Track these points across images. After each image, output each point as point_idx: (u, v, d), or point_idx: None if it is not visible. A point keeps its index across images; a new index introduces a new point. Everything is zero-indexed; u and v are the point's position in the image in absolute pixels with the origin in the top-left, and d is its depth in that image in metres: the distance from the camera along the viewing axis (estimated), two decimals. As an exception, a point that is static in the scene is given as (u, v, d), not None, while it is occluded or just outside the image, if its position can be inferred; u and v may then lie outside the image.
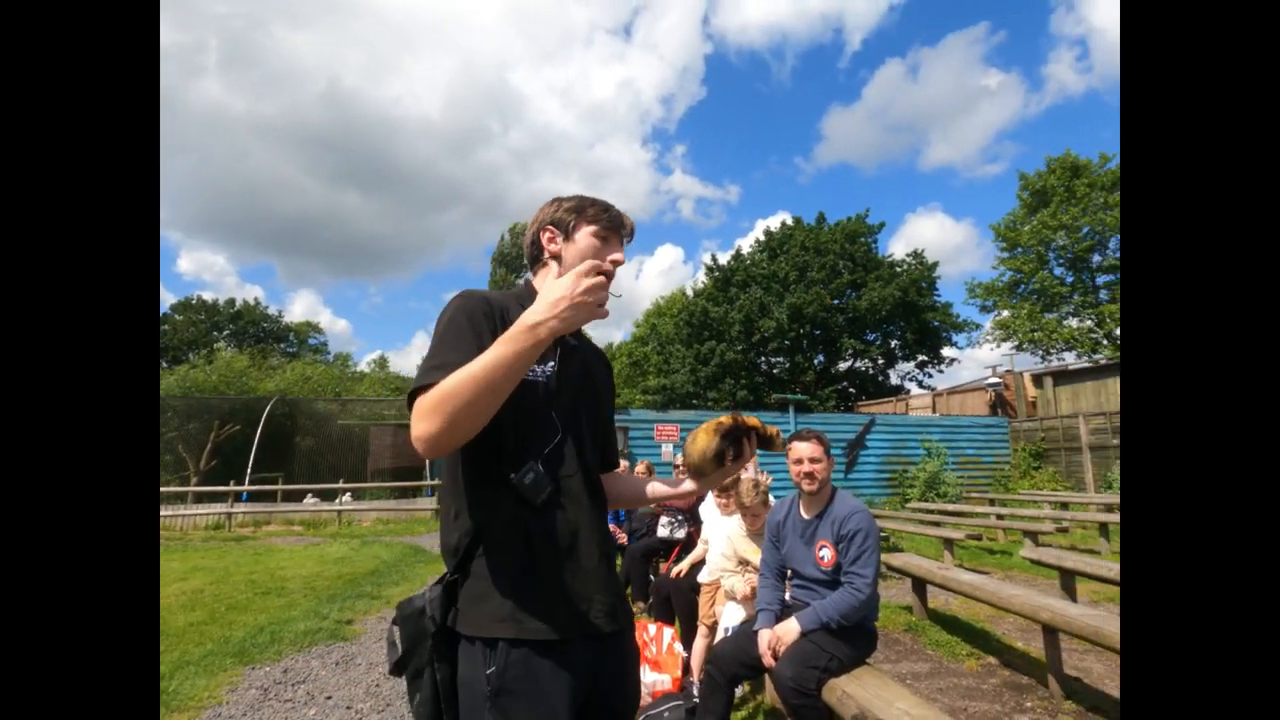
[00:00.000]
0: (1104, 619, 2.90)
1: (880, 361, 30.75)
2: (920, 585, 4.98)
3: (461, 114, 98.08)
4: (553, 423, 1.19)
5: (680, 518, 5.05)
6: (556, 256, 1.31)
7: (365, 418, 20.27)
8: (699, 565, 3.90)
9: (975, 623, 4.87)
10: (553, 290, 1.00)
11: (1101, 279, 25.16)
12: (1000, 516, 9.78)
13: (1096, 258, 24.91)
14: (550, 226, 1.33)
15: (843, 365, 28.63)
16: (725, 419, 1.36)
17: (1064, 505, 11.17)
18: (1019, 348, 25.39)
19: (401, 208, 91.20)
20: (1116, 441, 13.27)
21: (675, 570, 4.16)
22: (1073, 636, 3.00)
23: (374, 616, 5.40)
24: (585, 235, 1.30)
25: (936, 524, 9.33)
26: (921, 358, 31.37)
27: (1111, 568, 4.29)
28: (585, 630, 1.13)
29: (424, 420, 1.00)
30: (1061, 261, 25.49)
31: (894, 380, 31.76)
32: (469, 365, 1.00)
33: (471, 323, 1.14)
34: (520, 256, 16.62)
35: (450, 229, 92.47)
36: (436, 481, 13.39)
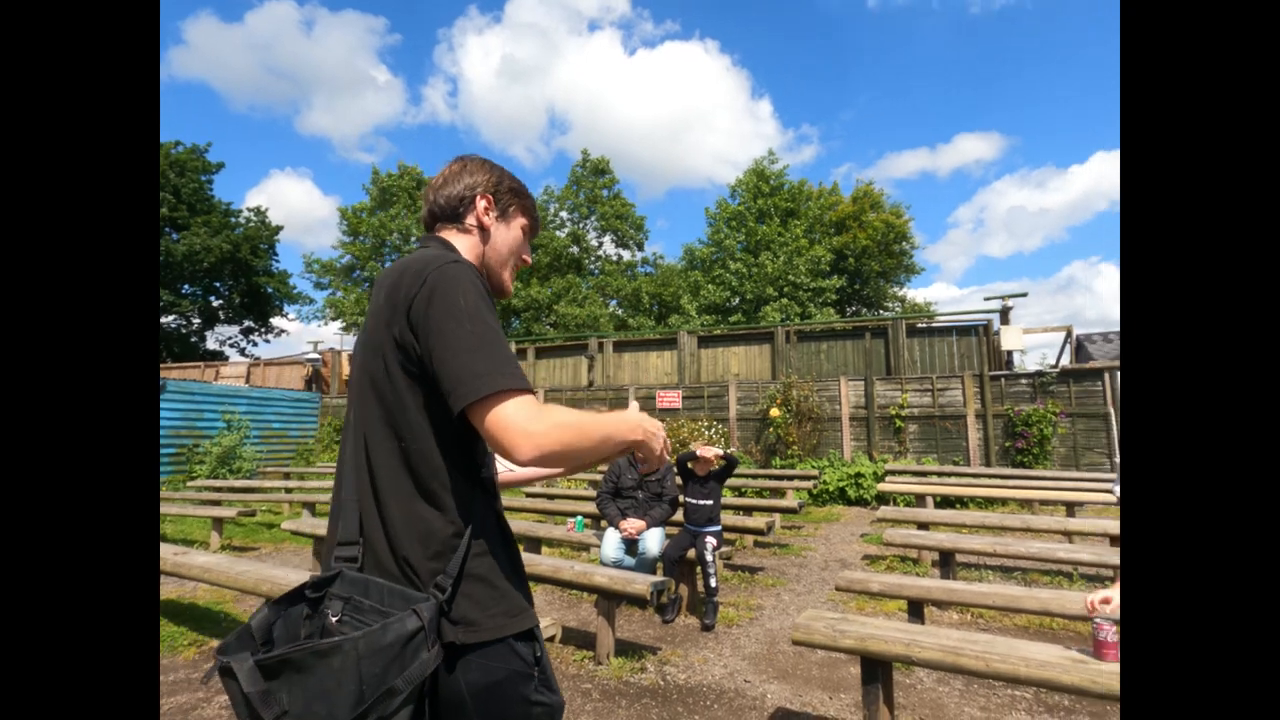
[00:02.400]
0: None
1: (196, 322, 26.82)
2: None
3: None
4: None
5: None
6: (484, 229, 1.26)
7: None
8: None
9: (216, 606, 4.61)
10: (652, 426, 1.12)
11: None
12: (289, 490, 9.85)
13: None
14: (490, 196, 1.27)
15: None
16: None
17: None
18: (346, 329, 26.82)
19: None
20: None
21: None
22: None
23: None
24: (517, 225, 1.31)
25: (216, 503, 8.65)
26: (249, 324, 29.04)
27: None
28: None
29: (545, 436, 0.96)
30: (393, 258, 28.47)
31: (211, 344, 28.26)
32: (601, 423, 1.03)
33: (493, 313, 1.07)
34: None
35: None
36: None
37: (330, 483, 10.50)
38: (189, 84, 55.41)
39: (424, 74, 63.37)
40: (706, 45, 61.18)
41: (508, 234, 1.29)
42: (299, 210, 58.66)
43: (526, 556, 4.02)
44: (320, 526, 5.15)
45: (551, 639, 2.67)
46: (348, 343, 26.74)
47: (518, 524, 5.87)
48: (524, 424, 0.95)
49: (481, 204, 1.26)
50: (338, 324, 27.14)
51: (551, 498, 8.14)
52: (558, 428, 0.97)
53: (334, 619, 0.98)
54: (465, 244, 1.24)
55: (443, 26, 65.50)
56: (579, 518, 6.25)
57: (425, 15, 64.49)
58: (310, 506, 7.89)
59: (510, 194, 1.29)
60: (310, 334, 47.43)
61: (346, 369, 17.85)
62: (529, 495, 8.45)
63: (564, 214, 29.21)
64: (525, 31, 62.67)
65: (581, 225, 29.16)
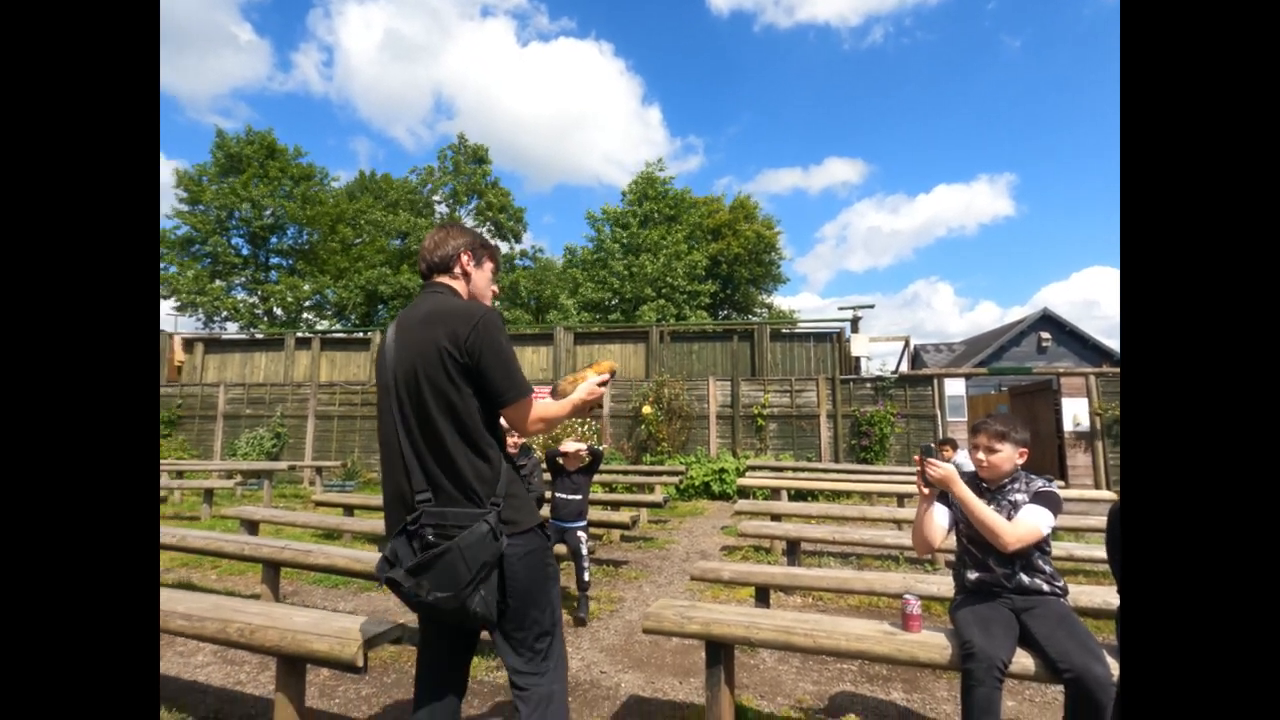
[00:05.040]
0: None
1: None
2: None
3: None
4: None
5: None
6: (467, 275, 1.88)
7: None
8: None
9: None
10: (583, 389, 1.85)
11: (275, 259, 26.84)
12: (99, 490, 8.58)
13: (274, 240, 26.43)
14: (469, 251, 1.88)
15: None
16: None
17: (180, 474, 10.95)
18: (181, 309, 23.85)
19: None
20: (250, 411, 14.15)
21: None
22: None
23: None
24: (488, 269, 1.94)
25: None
26: (52, 298, 24.91)
27: (175, 533, 4.32)
28: None
29: (540, 420, 1.75)
30: (241, 233, 25.72)
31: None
32: (559, 406, 1.82)
33: (508, 339, 1.75)
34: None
35: None
36: None
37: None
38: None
39: (294, 39, 57.49)
40: (601, 47, 61.24)
41: (482, 275, 1.93)
42: None
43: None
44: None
45: (398, 641, 2.55)
46: (184, 324, 23.86)
47: (374, 523, 5.54)
48: (524, 420, 1.74)
49: (464, 257, 1.88)
50: (171, 303, 24.06)
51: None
52: (540, 420, 1.76)
53: (431, 537, 1.63)
54: (459, 287, 1.88)
55: (315, -13, 60.05)
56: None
57: (295, -28, 58.86)
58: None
59: (481, 248, 1.92)
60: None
61: (180, 354, 15.87)
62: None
63: (438, 202, 27.94)
64: (413, 8, 59.13)
65: (458, 212, 28.07)
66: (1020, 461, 2.47)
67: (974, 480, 2.52)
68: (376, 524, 5.54)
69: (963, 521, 2.43)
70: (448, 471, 1.66)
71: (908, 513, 5.96)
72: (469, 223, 28.21)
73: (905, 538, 4.87)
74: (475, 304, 1.77)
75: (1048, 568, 2.35)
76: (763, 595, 3.75)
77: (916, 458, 2.44)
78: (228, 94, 52.61)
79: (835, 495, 9.54)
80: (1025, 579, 2.32)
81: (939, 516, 2.47)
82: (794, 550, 5.06)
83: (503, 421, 1.79)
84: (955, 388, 13.37)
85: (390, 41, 54.32)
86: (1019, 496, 2.40)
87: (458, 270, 1.86)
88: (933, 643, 2.30)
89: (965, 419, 13.61)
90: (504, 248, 28.95)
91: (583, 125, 55.45)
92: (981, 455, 2.47)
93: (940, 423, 11.59)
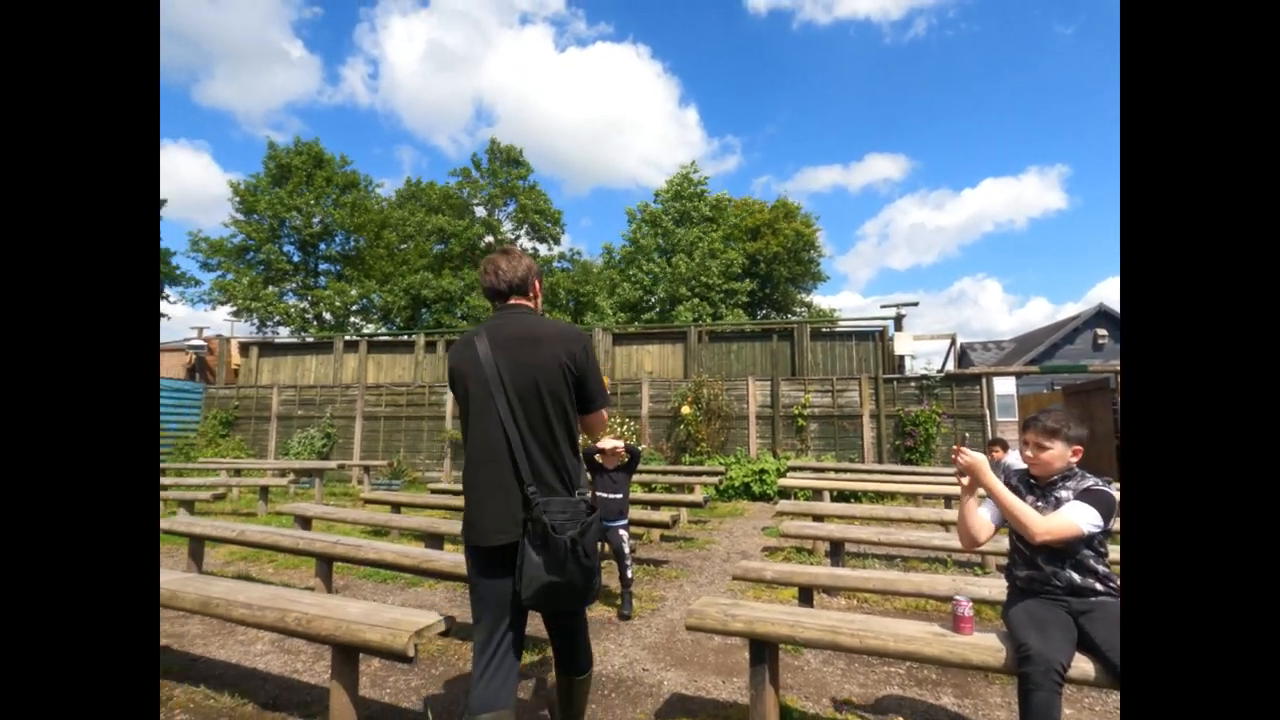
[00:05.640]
0: (195, 581, 2.93)
1: (56, 300, 23.95)
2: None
3: None
4: None
5: None
6: (537, 296, 2.25)
7: None
8: None
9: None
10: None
11: (324, 265, 27.76)
12: (164, 488, 9.03)
13: (323, 246, 27.33)
14: (539, 277, 2.27)
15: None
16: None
17: (238, 472, 11.42)
18: (237, 314, 24.87)
19: None
20: (301, 412, 14.67)
21: None
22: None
23: None
24: (541, 288, 2.31)
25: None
26: (119, 305, 26.26)
27: (234, 528, 4.51)
28: None
29: (604, 425, 2.26)
30: (292, 241, 26.67)
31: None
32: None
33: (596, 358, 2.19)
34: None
35: None
36: None
37: (212, 479, 9.74)
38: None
39: (343, 53, 59.59)
40: (639, 50, 61.70)
41: (540, 293, 2.29)
42: (194, 186, 53.37)
43: (428, 552, 3.90)
44: (196, 525, 4.77)
45: (447, 633, 2.61)
46: (240, 329, 24.87)
47: (420, 520, 5.68)
48: (600, 424, 2.21)
49: (536, 283, 2.24)
50: (227, 309, 25.12)
51: (457, 494, 7.93)
52: (604, 425, 2.24)
53: (543, 514, 1.92)
54: (534, 306, 2.22)
55: (365, 5, 61.91)
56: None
57: (345, -10, 60.87)
58: (188, 505, 7.28)
59: (539, 274, 2.28)
60: (196, 319, 43.50)
61: (237, 357, 16.57)
62: (434, 492, 8.20)
63: (477, 205, 28.44)
64: (454, 19, 60.62)
65: (496, 215, 28.52)
66: (1074, 460, 2.38)
67: (1025, 477, 2.46)
68: (422, 521, 5.67)
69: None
70: (554, 466, 2.00)
71: (956, 515, 5.79)
72: (506, 226, 28.67)
73: (953, 540, 4.74)
74: (575, 328, 2.24)
75: (1101, 568, 2.26)
76: (806, 596, 3.70)
77: (955, 448, 2.41)
78: (281, 108, 54.74)
79: (879, 497, 9.35)
80: (1076, 578, 2.25)
81: (984, 511, 2.43)
82: (838, 551, 4.98)
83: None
84: (1005, 387, 12.93)
85: (433, 52, 55.69)
86: (1065, 494, 2.33)
87: (532, 291, 2.21)
88: (985, 645, 2.24)
89: (1016, 419, 13.15)
90: (542, 250, 29.35)
91: (620, 128, 55.78)
92: (1030, 452, 2.40)
93: (989, 423, 11.23)
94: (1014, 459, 6.88)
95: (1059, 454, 2.36)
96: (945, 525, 5.92)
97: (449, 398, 13.79)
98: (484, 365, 1.99)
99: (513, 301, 2.16)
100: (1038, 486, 2.41)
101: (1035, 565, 2.33)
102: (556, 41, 63.14)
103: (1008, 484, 2.44)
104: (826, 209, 63.64)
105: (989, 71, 61.55)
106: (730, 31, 62.00)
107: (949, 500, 7.00)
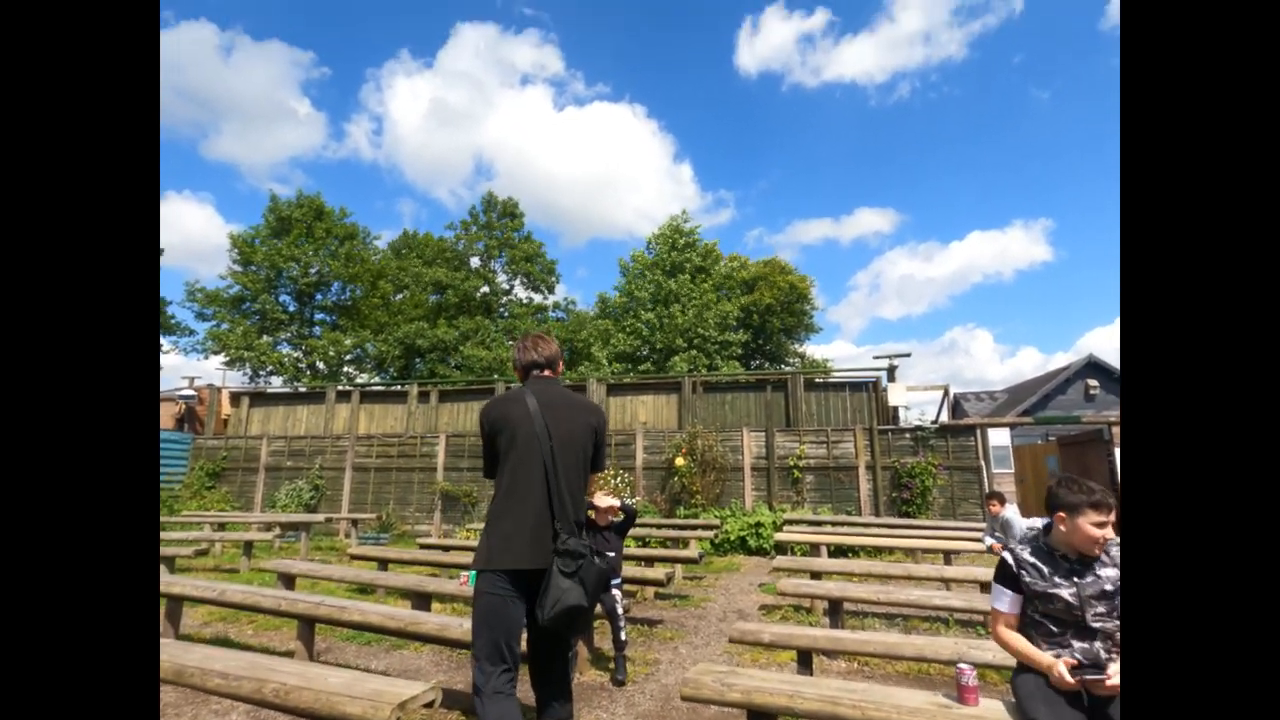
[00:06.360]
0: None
1: (47, 349, 23.82)
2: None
3: None
4: None
5: None
6: (560, 372, 2.67)
7: None
8: None
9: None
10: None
11: (319, 315, 27.85)
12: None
13: (319, 296, 27.49)
14: (561, 358, 2.68)
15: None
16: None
17: (222, 526, 11.14)
18: (230, 364, 24.76)
19: None
20: (290, 463, 14.44)
21: None
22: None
23: None
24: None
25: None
26: (111, 354, 26.13)
27: (214, 587, 4.36)
28: None
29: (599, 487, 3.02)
30: (288, 290, 26.81)
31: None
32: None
33: None
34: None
35: None
36: None
37: (195, 533, 9.50)
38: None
39: (348, 110, 61.38)
40: (635, 109, 63.80)
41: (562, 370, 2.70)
42: (196, 237, 53.85)
43: (415, 614, 3.78)
44: (175, 585, 4.61)
45: (430, 705, 2.50)
46: (232, 379, 24.70)
47: (407, 579, 5.53)
48: (595, 482, 2.65)
49: (560, 363, 2.63)
50: (220, 358, 25.00)
51: (446, 549, 7.74)
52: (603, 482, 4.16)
53: (570, 543, 2.25)
54: (560, 380, 2.61)
55: (372, 67, 64.24)
56: (474, 571, 5.96)
57: (356, 54, 63.19)
58: (169, 561, 7.05)
59: (562, 355, 2.70)
60: (188, 368, 43.16)
61: (227, 408, 16.40)
62: (423, 547, 8.00)
63: (472, 256, 28.86)
64: (457, 79, 62.80)
65: (490, 266, 28.86)
66: None
67: (1048, 551, 2.24)
68: (410, 579, 5.51)
69: (1038, 599, 2.19)
70: (575, 509, 2.33)
71: (955, 571, 5.68)
72: (500, 276, 29.08)
73: (954, 598, 4.64)
74: (593, 402, 2.64)
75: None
76: (805, 659, 3.59)
77: (1067, 663, 2.06)
78: (285, 162, 56.03)
79: (877, 551, 9.17)
80: (1102, 653, 2.10)
81: (1001, 604, 2.26)
82: (836, 611, 4.85)
83: None
84: (1000, 438, 12.90)
85: (435, 110, 57.49)
86: (1109, 571, 2.15)
87: (558, 368, 2.63)
88: (992, 719, 2.16)
89: (1012, 470, 13.08)
90: (535, 299, 29.62)
91: (616, 183, 57.19)
92: (1109, 533, 2.15)
93: (985, 475, 11.16)
94: (1013, 513, 6.80)
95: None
96: (945, 582, 5.80)
97: (441, 448, 13.64)
98: (534, 418, 2.36)
99: (546, 373, 2.57)
100: (1065, 560, 2.19)
101: (1064, 644, 2.14)
102: (555, 101, 65.44)
103: (1018, 558, 2.25)
104: (818, 260, 64.90)
105: (971, 132, 64.09)
106: (722, 92, 64.55)
107: (948, 555, 6.88)
